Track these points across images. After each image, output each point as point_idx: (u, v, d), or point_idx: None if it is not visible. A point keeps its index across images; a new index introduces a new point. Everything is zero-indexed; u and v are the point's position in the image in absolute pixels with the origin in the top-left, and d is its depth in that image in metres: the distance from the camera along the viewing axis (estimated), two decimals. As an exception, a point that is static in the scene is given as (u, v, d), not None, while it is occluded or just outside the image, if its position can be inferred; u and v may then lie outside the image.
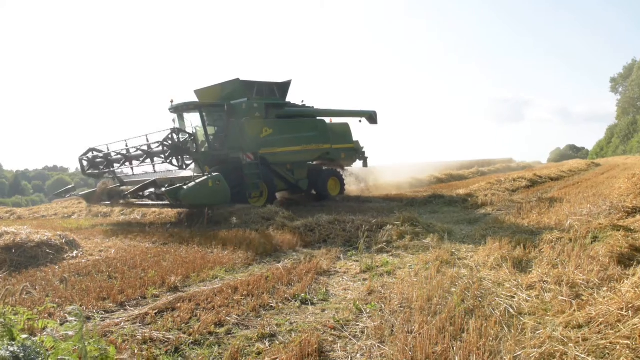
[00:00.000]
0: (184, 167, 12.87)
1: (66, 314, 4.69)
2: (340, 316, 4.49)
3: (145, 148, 13.35)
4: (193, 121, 14.64)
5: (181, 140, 12.78)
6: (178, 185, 11.24)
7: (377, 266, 6.41)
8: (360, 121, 18.45)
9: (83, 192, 15.61)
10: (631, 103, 72.24)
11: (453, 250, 6.98)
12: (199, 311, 4.73)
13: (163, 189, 11.40)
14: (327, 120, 17.08)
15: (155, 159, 13.32)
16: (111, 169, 14.67)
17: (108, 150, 15.05)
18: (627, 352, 3.23)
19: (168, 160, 12.69)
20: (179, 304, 4.93)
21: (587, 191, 14.39)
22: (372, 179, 23.92)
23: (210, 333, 4.17)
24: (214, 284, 5.80)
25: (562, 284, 4.76)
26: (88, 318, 4.66)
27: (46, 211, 19.52)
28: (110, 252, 8.19)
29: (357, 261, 6.79)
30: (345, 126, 17.67)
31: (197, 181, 11.18)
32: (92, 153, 15.16)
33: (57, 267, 7.10)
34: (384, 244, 7.75)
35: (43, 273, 6.61)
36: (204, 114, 14.05)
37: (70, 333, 2.67)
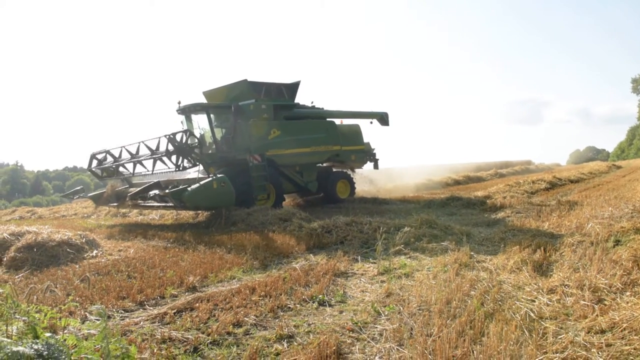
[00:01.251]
0: (181, 168, 12.87)
1: (86, 313, 4.75)
2: (358, 318, 4.48)
3: (152, 149, 13.22)
4: (200, 122, 14.65)
5: (189, 143, 12.75)
6: (182, 187, 11.19)
7: (395, 268, 6.38)
8: (371, 122, 18.22)
9: (91, 194, 15.67)
10: (653, 104, 70.84)
11: (472, 253, 6.92)
12: (217, 311, 4.75)
13: (167, 191, 11.34)
14: (337, 121, 16.86)
15: (163, 159, 13.15)
16: (116, 169, 14.67)
17: (107, 152, 15.05)
18: (653, 358, 3.16)
19: (167, 157, 12.64)
20: (197, 304, 4.96)
21: (608, 194, 14.15)
22: (388, 181, 23.83)
23: (228, 333, 4.19)
24: (232, 285, 5.83)
25: (584, 288, 4.68)
26: (108, 317, 4.71)
27: (66, 211, 19.82)
28: (129, 252, 8.28)
29: (375, 263, 6.76)
30: (356, 127, 17.43)
31: (202, 183, 11.14)
32: (97, 158, 15.25)
33: (77, 266, 7.20)
34: (402, 245, 7.70)
35: (64, 272, 6.71)
36: (212, 115, 14.05)
37: (92, 332, 2.70)
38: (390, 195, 18.47)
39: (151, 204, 13.04)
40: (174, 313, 4.75)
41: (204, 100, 15.91)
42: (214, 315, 4.65)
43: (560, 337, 3.73)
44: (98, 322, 2.64)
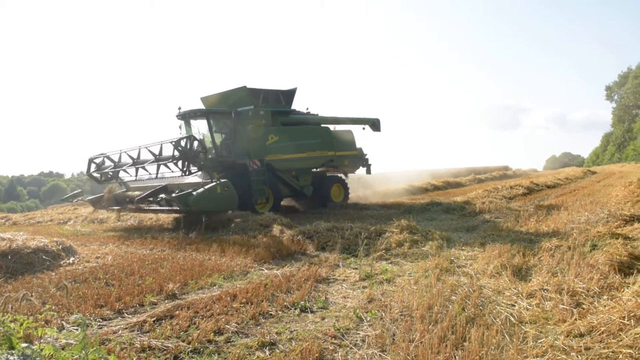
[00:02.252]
0: (187, 173, 12.97)
1: (63, 322, 4.65)
2: (340, 324, 4.46)
3: (154, 154, 13.27)
4: (200, 128, 14.85)
5: (194, 148, 12.92)
6: (187, 191, 11.39)
7: (377, 274, 6.39)
8: (363, 128, 18.51)
9: (90, 198, 15.78)
10: (626, 111, 72.70)
11: (452, 258, 6.97)
12: (197, 319, 4.69)
13: (173, 195, 11.56)
14: (331, 127, 17.17)
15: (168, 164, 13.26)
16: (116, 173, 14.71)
17: (105, 156, 15.09)
18: (630, 361, 3.21)
19: (173, 162, 12.82)
20: (177, 312, 4.89)
21: (584, 199, 14.43)
22: (368, 186, 23.91)
23: (209, 341, 4.13)
24: (213, 292, 5.76)
25: (563, 292, 4.75)
26: (86, 326, 4.61)
27: (42, 217, 19.43)
28: (107, 259, 8.14)
29: (356, 269, 6.76)
30: (349, 133, 17.76)
31: (206, 187, 11.37)
32: (95, 162, 15.29)
33: (53, 273, 7.05)
34: (383, 251, 7.74)
35: (39, 280, 6.56)
36: (211, 120, 14.29)
37: (70, 341, 2.63)
38: (369, 200, 18.53)
39: (154, 208, 13.17)
40: (154, 321, 4.67)
41: (201, 105, 16.14)
42: (195, 323, 4.58)
43: (540, 341, 3.78)
44: (76, 331, 2.58)
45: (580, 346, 3.59)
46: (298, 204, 17.26)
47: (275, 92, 15.69)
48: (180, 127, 15.11)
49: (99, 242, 10.53)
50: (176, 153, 12.64)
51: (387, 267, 6.77)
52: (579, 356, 3.44)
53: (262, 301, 5.19)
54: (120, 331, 4.43)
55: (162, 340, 4.14)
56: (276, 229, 10.18)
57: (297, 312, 4.91)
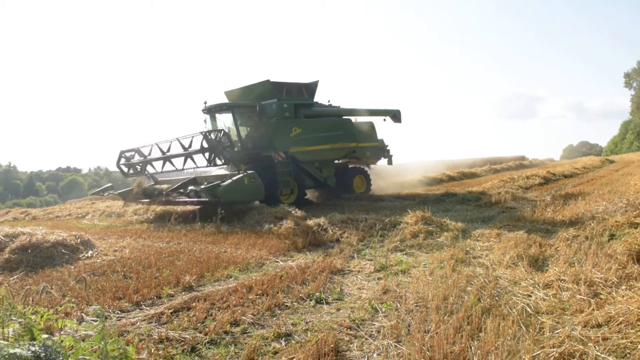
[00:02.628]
0: (213, 164, 13.49)
1: (83, 314, 4.73)
2: (355, 315, 4.48)
3: (184, 146, 13.70)
4: (225, 121, 15.19)
5: (222, 140, 13.40)
6: (216, 182, 11.79)
7: (391, 265, 6.39)
8: (384, 120, 18.58)
9: (120, 191, 16.16)
10: (646, 99, 71.31)
11: (468, 249, 6.94)
12: (214, 310, 4.74)
13: (202, 186, 11.95)
14: (352, 119, 17.29)
15: (193, 157, 13.72)
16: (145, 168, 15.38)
17: (136, 150, 15.65)
18: (649, 351, 3.18)
19: (210, 160, 13.33)
20: (194, 304, 4.95)
21: (602, 188, 14.22)
22: (383, 177, 23.83)
23: (226, 332, 4.18)
24: (229, 284, 5.82)
25: (580, 283, 4.71)
26: (105, 317, 4.69)
27: (60, 212, 19.73)
28: (125, 252, 8.25)
29: (371, 260, 6.77)
30: (370, 125, 17.92)
31: (234, 179, 11.76)
32: (124, 156, 15.89)
33: (72, 267, 7.17)
34: (398, 242, 7.72)
35: (59, 273, 6.68)
36: (236, 114, 14.64)
37: (90, 332, 2.68)
38: (384, 192, 18.49)
39: (183, 200, 13.46)
40: (171, 313, 4.73)
41: (224, 99, 16.47)
42: (211, 315, 4.64)
43: (557, 331, 3.75)
44: (95, 323, 2.63)
45: (598, 336, 3.56)
46: (321, 195, 17.44)
47: (298, 85, 15.92)
48: (205, 120, 15.36)
49: (116, 236, 10.66)
50: (205, 145, 12.97)
51: (402, 258, 6.77)
52: (596, 346, 3.41)
53: (278, 293, 5.22)
54: (138, 323, 4.50)
55: (180, 332, 4.20)
56: (291, 221, 10.22)
57: (312, 303, 4.94)
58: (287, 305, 4.88)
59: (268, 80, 15.14)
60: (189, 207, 14.23)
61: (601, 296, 4.36)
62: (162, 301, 5.26)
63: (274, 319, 4.50)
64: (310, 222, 9.79)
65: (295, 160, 14.70)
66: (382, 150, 18.15)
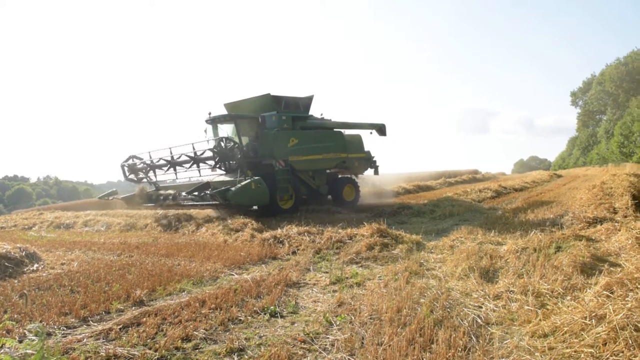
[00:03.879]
0: (216, 170, 14.71)
1: (26, 331, 4.51)
2: (310, 329, 4.45)
3: (190, 156, 14.68)
4: (227, 132, 16.18)
5: (228, 147, 14.49)
6: (226, 187, 12.76)
7: (347, 277, 6.40)
8: (371, 133, 19.50)
9: (123, 196, 17.13)
10: (590, 116, 74.86)
11: (422, 261, 7.04)
12: (165, 326, 4.62)
13: (214, 191, 12.86)
14: (342, 131, 18.27)
15: (201, 164, 14.74)
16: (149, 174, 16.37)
17: (150, 157, 16.43)
18: (591, 360, 3.30)
19: (217, 165, 14.51)
20: (144, 319, 4.81)
21: (550, 202, 14.76)
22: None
23: (177, 348, 4.07)
24: (181, 298, 5.68)
25: (528, 294, 4.85)
26: (49, 334, 4.49)
27: (5, 222, 18.88)
28: (73, 265, 7.95)
29: (327, 272, 6.77)
30: (358, 137, 18.90)
31: (242, 184, 12.81)
32: (132, 160, 16.69)
33: (16, 281, 6.85)
34: (354, 255, 7.75)
35: (1, 287, 6.36)
36: (239, 124, 15.49)
37: (29, 351, 2.55)
38: (342, 204, 18.57)
39: (192, 204, 14.45)
40: (120, 328, 4.58)
41: (224, 111, 17.42)
42: (162, 330, 4.51)
43: (505, 342, 3.84)
44: (35, 341, 2.51)
45: (544, 346, 3.67)
46: (315, 202, 18.11)
47: (295, 99, 16.91)
48: (205, 130, 16.34)
49: (64, 248, 10.28)
50: (214, 150, 14.09)
51: (358, 271, 6.79)
52: (542, 356, 3.51)
53: (232, 307, 5.14)
54: (85, 339, 4.33)
55: (129, 348, 4.06)
56: (247, 234, 10.12)
57: (266, 317, 4.88)
58: (240, 320, 4.80)
59: (268, 94, 16.11)
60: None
61: (548, 307, 4.50)
62: (111, 316, 5.09)
63: (227, 333, 4.41)
64: (266, 235, 9.72)
65: (292, 168, 15.56)
66: (369, 161, 19.07)
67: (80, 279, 6.66)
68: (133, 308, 5.34)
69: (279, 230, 9.83)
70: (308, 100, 17.32)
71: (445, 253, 7.64)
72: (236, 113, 16.35)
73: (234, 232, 10.58)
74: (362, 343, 3.95)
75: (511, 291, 5.08)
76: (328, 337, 4.22)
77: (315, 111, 18.21)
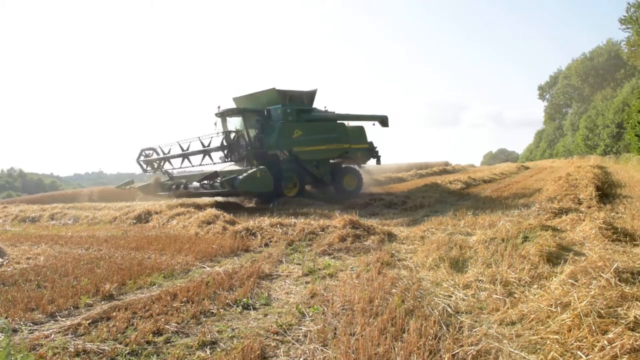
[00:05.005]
0: (228, 160, 15.70)
1: (-10, 327, 4.40)
2: (282, 320, 4.46)
3: (204, 144, 15.49)
4: (236, 124, 17.04)
5: (236, 139, 15.51)
6: (234, 175, 13.72)
7: (319, 269, 6.43)
8: (373, 124, 20.39)
9: (140, 185, 17.93)
10: (557, 110, 76.62)
11: (393, 252, 7.12)
12: (135, 320, 4.56)
13: (223, 179, 13.83)
14: (346, 123, 19.13)
15: (212, 154, 15.64)
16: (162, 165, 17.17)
17: (154, 150, 17.45)
18: (557, 346, 3.40)
19: (227, 157, 15.50)
20: (114, 313, 4.73)
21: (517, 193, 15.08)
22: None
23: (148, 342, 4.03)
24: (152, 291, 5.62)
25: (496, 283, 4.96)
26: (15, 330, 4.38)
27: (-33, 217, 18.26)
28: (39, 260, 7.76)
29: (299, 264, 6.78)
30: (361, 128, 19.67)
31: (248, 172, 13.69)
32: (145, 153, 17.59)
33: (-21, 276, 6.64)
34: (326, 246, 7.79)
35: (-37, 284, 6.17)
36: (246, 117, 16.59)
37: (-6, 348, 2.49)
38: (313, 197, 18.62)
39: (202, 192, 15.21)
40: (89, 323, 4.50)
41: (233, 104, 18.50)
42: (133, 324, 4.45)
43: (475, 330, 3.92)
44: (1, 338, 2.44)
45: (512, 333, 3.76)
46: (317, 190, 19.14)
47: (299, 93, 17.82)
48: (215, 123, 17.14)
49: (30, 242, 10.02)
50: (225, 143, 15.09)
51: (330, 262, 6.83)
52: (510, 343, 3.60)
53: (204, 299, 5.11)
54: (52, 335, 4.24)
55: (98, 343, 4.00)
56: (219, 226, 10.05)
57: (239, 309, 4.87)
58: (213, 312, 4.78)
59: (274, 88, 17.02)
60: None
61: (515, 295, 4.61)
62: (80, 311, 4.99)
63: (199, 326, 4.39)
64: (238, 227, 9.67)
65: (296, 158, 16.69)
66: (371, 152, 19.86)
67: (47, 274, 6.51)
68: (102, 302, 5.26)
69: (251, 222, 9.79)
70: (312, 94, 18.22)
71: (416, 244, 7.74)
72: (244, 107, 17.45)
73: (206, 224, 10.49)
74: (335, 333, 3.98)
75: (480, 280, 5.18)
76: (301, 328, 4.24)
77: (319, 104, 19.37)
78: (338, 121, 18.94)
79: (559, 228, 7.39)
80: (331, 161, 18.70)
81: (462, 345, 3.59)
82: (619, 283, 4.10)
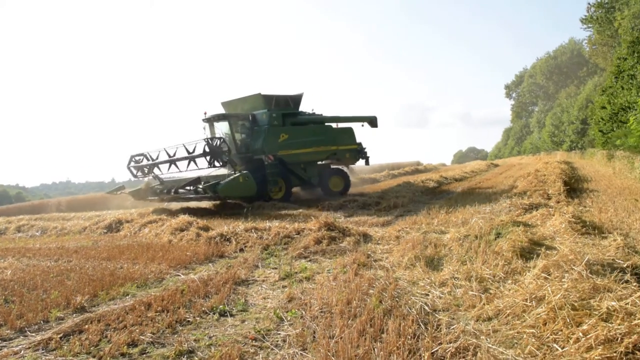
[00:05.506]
0: (212, 166, 15.48)
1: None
2: (260, 326, 4.41)
3: (189, 151, 15.55)
4: (222, 129, 17.22)
5: (219, 145, 15.45)
6: (216, 181, 13.94)
7: (296, 272, 6.39)
8: (362, 125, 20.46)
9: (131, 190, 17.96)
10: (523, 108, 78.35)
11: (369, 253, 7.13)
12: (109, 332, 4.45)
13: (204, 184, 14.14)
14: (334, 125, 19.45)
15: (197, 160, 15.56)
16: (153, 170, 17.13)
17: (144, 155, 17.48)
18: (533, 340, 3.45)
19: (212, 162, 15.28)
20: (86, 326, 4.61)
21: (488, 190, 15.33)
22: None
23: (122, 354, 3.93)
24: (125, 302, 5.49)
25: (472, 280, 5.01)
26: (-19, 348, 4.22)
27: None
28: (6, 274, 7.50)
29: (276, 268, 6.73)
30: (349, 130, 19.78)
31: (231, 178, 14.03)
32: (135, 159, 17.54)
33: (-58, 293, 6.39)
34: (302, 249, 7.76)
35: None
36: (232, 123, 16.88)
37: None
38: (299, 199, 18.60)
39: (189, 196, 15.61)
40: (60, 338, 4.37)
41: (222, 109, 18.83)
42: (106, 337, 4.34)
43: (452, 327, 3.95)
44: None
45: (489, 329, 3.80)
46: (305, 192, 19.59)
47: (285, 97, 18.05)
48: (204, 128, 17.49)
49: (-4, 256, 9.70)
50: (207, 149, 14.94)
51: (307, 265, 6.80)
52: (488, 339, 3.63)
53: (179, 308, 5.02)
54: (22, 351, 4.11)
55: (71, 358, 3.89)
56: (193, 232, 9.91)
57: (216, 316, 4.79)
58: (189, 321, 4.69)
59: (259, 94, 17.32)
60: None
61: (491, 291, 4.66)
62: (50, 325, 4.84)
63: (176, 336, 4.30)
64: (212, 233, 9.55)
65: (283, 162, 16.87)
66: (360, 153, 19.92)
67: (15, 288, 6.31)
68: (74, 315, 5.11)
69: (226, 228, 9.68)
70: (298, 98, 18.47)
71: (391, 244, 7.78)
72: (229, 112, 17.72)
73: (179, 231, 10.33)
74: (314, 337, 3.96)
75: (456, 278, 5.23)
76: (279, 333, 4.20)
77: (307, 108, 19.57)
78: (326, 124, 19.22)
79: (530, 223, 7.52)
80: (319, 163, 18.96)
81: (440, 343, 3.61)
82: (591, 275, 4.19)
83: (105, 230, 13.16)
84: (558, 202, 9.74)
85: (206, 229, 10.20)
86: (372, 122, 20.66)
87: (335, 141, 18.79)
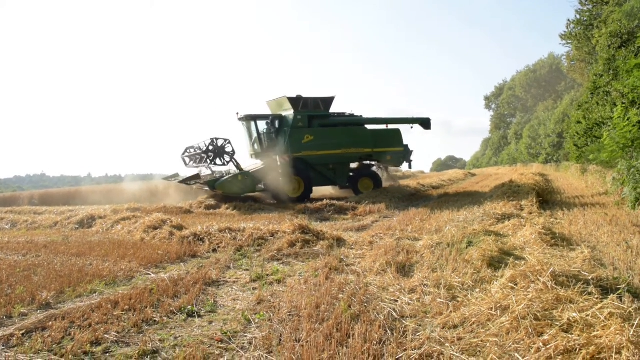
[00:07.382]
0: (211, 164, 17.25)
1: None
2: (228, 328, 4.39)
3: (209, 148, 17.15)
4: (253, 128, 18.67)
5: (219, 145, 17.00)
6: (215, 177, 15.76)
7: (268, 275, 6.38)
8: (412, 127, 20.91)
9: (180, 179, 18.80)
10: (502, 119, 79.43)
11: (342, 257, 7.15)
12: (73, 329, 4.37)
13: (204, 181, 15.91)
14: (383, 126, 20.19)
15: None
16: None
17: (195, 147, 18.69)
18: (496, 348, 3.49)
19: (212, 161, 17.02)
20: (50, 323, 4.52)
21: (463, 199, 15.50)
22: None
23: (85, 353, 3.87)
24: (92, 299, 5.41)
25: (441, 287, 5.06)
26: (-62, 343, 4.11)
27: None
28: (-29, 267, 7.33)
29: (248, 270, 6.70)
30: (394, 132, 20.18)
31: (230, 175, 15.90)
32: (188, 151, 18.53)
33: None
34: (275, 252, 7.74)
35: None
36: (258, 123, 18.51)
37: None
38: (265, 201, 18.52)
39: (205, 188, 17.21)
40: (22, 334, 4.28)
41: (267, 107, 20.08)
42: (70, 334, 4.27)
43: (418, 334, 3.98)
44: None
45: (454, 337, 3.84)
46: (336, 191, 20.56)
47: (315, 99, 18.70)
48: (243, 124, 19.11)
49: (-39, 249, 9.46)
50: (210, 148, 16.69)
51: (279, 268, 6.78)
52: (452, 347, 3.67)
53: (147, 307, 4.96)
54: (-19, 347, 4.01)
55: (32, 355, 3.82)
56: (166, 231, 9.81)
57: (183, 317, 4.75)
58: (156, 321, 4.64)
59: (285, 96, 18.30)
60: None
61: (458, 299, 4.71)
62: (13, 321, 4.74)
63: (141, 335, 4.25)
64: (186, 232, 9.47)
65: (305, 162, 17.95)
66: (405, 155, 20.32)
67: (-22, 282, 6.16)
68: (38, 312, 5.02)
69: (199, 228, 9.61)
70: (328, 100, 18.97)
71: (365, 249, 7.81)
72: (255, 114, 18.75)
73: (152, 229, 10.22)
74: (280, 340, 3.95)
75: (425, 285, 5.27)
76: (246, 336, 4.18)
77: (347, 108, 20.31)
78: (364, 125, 19.63)
79: (501, 233, 7.62)
80: (352, 165, 19.66)
81: (405, 350, 3.63)
82: (555, 286, 4.26)
83: (77, 226, 12.95)
84: (530, 213, 9.89)
85: (180, 228, 10.11)
86: (425, 124, 20.84)
87: (372, 143, 19.19)
